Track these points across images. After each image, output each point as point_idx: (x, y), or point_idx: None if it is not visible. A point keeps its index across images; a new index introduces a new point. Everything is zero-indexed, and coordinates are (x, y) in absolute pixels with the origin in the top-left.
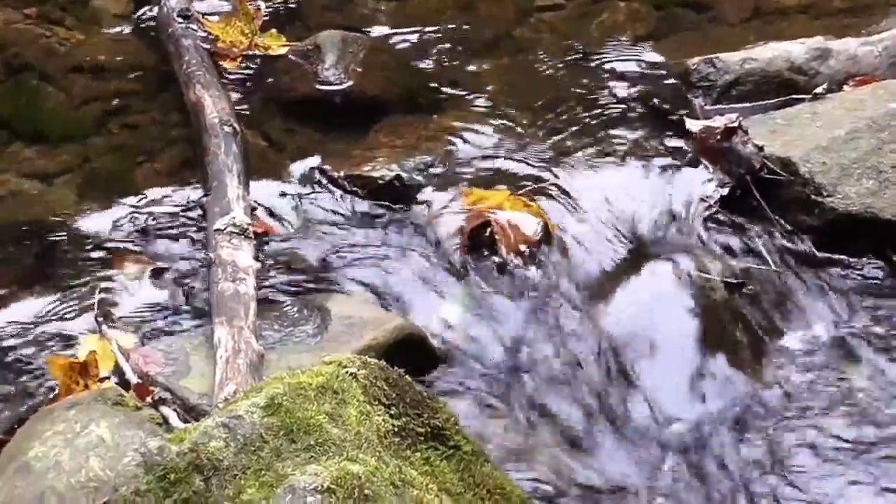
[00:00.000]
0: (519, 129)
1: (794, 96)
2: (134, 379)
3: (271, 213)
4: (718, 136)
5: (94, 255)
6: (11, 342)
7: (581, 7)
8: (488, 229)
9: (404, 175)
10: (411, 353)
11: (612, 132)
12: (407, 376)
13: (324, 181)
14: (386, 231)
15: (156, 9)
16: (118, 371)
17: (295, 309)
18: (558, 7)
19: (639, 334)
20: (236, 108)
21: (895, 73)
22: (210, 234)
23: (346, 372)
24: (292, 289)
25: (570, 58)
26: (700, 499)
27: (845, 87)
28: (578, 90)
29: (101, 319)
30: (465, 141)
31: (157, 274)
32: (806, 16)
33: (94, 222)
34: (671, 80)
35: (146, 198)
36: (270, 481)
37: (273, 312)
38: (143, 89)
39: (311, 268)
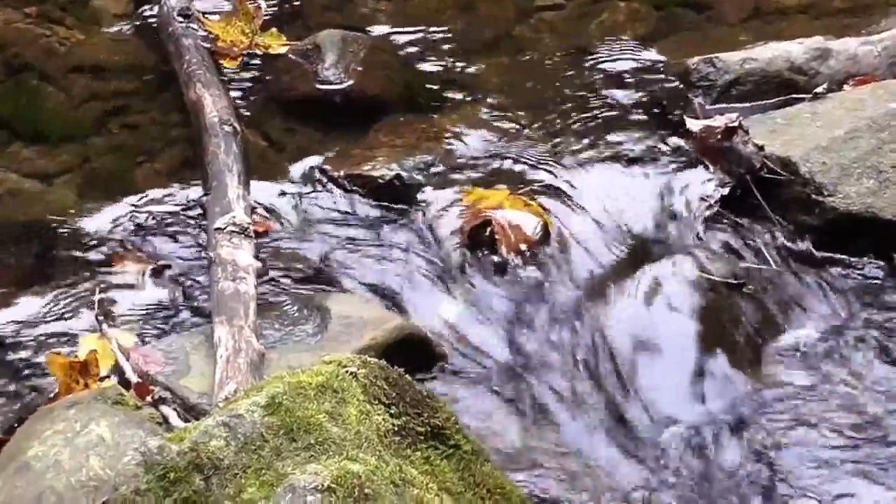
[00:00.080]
0: (519, 129)
1: (794, 96)
2: (134, 378)
3: (271, 213)
4: (719, 136)
5: (94, 254)
6: (11, 341)
7: (581, 7)
8: (488, 229)
9: (404, 174)
10: (411, 353)
11: (612, 131)
12: (407, 376)
13: (324, 180)
14: (386, 230)
15: (156, 8)
16: (118, 370)
17: (295, 308)
18: (558, 7)
19: (638, 334)
20: (236, 107)
21: (895, 73)
22: (210, 233)
23: (346, 371)
24: (292, 288)
25: (570, 57)
26: (700, 499)
27: (845, 87)
28: (578, 90)
29: (101, 318)
30: (465, 140)
31: (157, 273)
32: (805, 16)
33: (95, 222)
34: (671, 80)
35: (146, 197)
36: (271, 480)
37: (273, 312)
38: (143, 89)
39: (311, 267)
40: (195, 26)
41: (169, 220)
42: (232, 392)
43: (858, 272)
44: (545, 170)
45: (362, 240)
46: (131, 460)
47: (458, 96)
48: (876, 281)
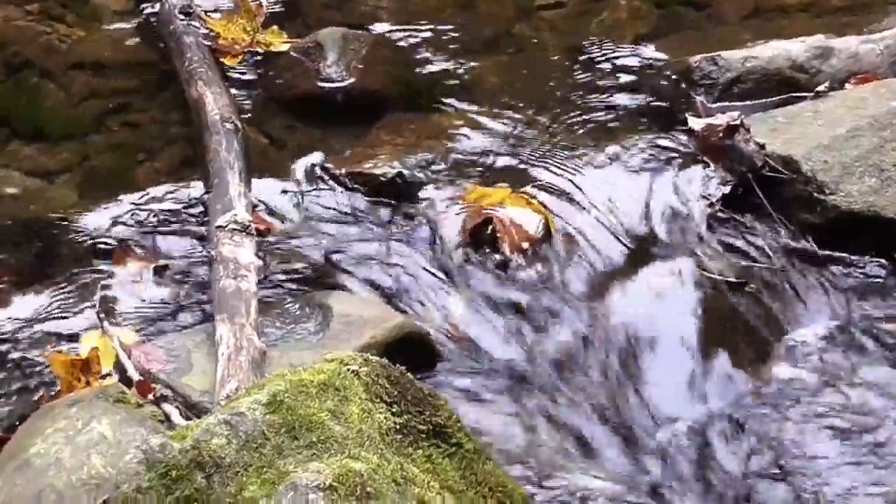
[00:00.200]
0: (520, 127)
1: (796, 94)
2: (136, 376)
3: (272, 211)
4: (720, 134)
5: (95, 252)
6: (13, 339)
7: (581, 5)
8: (490, 227)
9: (406, 172)
10: (412, 351)
11: (614, 130)
12: (408, 374)
13: (325, 178)
14: (387, 229)
15: (157, 5)
16: (120, 368)
17: (296, 306)
18: (559, 5)
19: (640, 332)
20: (237, 105)
21: None
22: (211, 231)
23: (348, 369)
24: (294, 286)
25: (570, 55)
26: (700, 498)
27: (847, 86)
28: (579, 88)
29: (102, 316)
30: (466, 138)
31: (158, 271)
32: (806, 14)
33: (95, 220)
34: (673, 78)
35: (147, 195)
36: (272, 479)
37: (275, 310)
38: (143, 87)
39: (312, 265)
40: (196, 24)
41: (170, 218)
42: (233, 390)
43: (860, 271)
44: (546, 168)
45: (363, 238)
46: (133, 458)
47: (460, 94)
48: (877, 279)
